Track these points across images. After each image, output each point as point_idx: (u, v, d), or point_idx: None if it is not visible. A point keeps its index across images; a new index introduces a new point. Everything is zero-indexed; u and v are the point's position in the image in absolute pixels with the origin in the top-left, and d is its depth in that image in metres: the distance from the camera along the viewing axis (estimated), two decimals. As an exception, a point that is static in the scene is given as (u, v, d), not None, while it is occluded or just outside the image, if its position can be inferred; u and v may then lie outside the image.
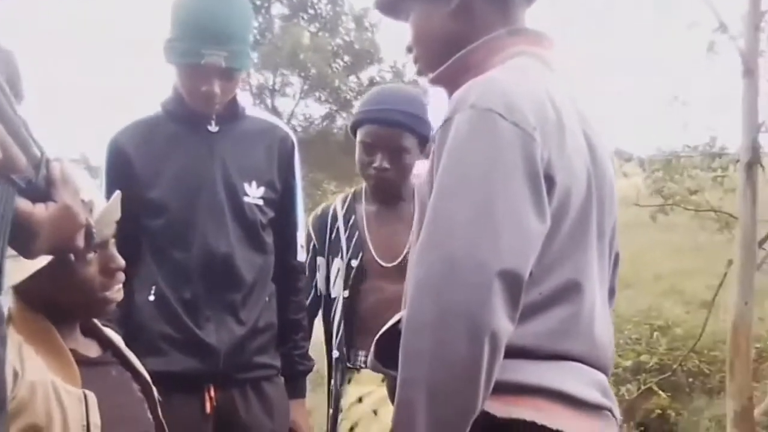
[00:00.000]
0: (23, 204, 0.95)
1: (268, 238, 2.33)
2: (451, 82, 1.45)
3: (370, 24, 17.95)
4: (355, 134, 2.47)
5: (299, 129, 19.65)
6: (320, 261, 2.53)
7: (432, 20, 1.51)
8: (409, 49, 1.57)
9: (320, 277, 2.53)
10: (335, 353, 2.45)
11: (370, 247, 2.42)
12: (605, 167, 1.45)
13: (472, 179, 1.24)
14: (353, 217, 2.50)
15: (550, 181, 1.28)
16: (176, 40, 2.15)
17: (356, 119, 2.46)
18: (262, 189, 2.30)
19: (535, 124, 1.28)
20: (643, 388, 7.31)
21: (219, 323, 2.20)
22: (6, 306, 1.53)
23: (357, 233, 2.46)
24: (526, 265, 1.23)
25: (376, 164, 2.37)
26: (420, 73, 1.57)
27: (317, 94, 18.38)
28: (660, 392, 7.29)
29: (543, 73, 1.43)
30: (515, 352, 1.25)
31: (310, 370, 2.46)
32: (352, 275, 2.42)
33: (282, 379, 2.39)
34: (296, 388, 2.43)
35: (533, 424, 1.26)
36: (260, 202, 2.29)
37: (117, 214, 1.57)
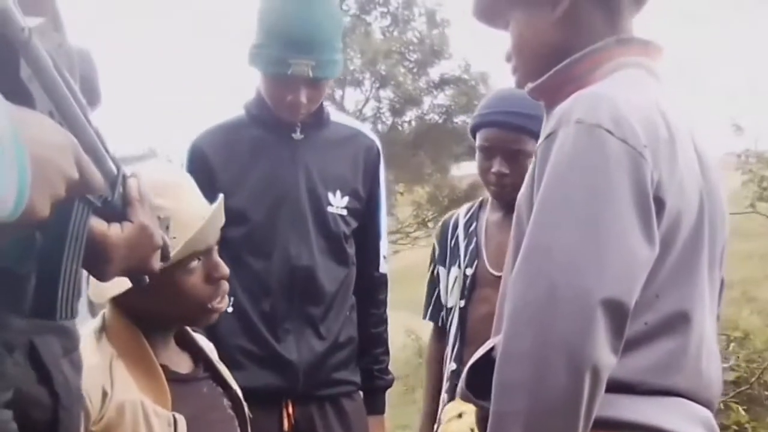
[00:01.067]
0: (98, 224, 0.90)
1: (351, 250, 2.26)
2: (552, 94, 1.36)
3: (441, 19, 17.80)
4: (475, 138, 2.37)
5: (368, 125, 19.70)
6: (441, 271, 2.46)
7: (535, 28, 1.42)
8: (508, 59, 1.48)
9: (442, 287, 2.45)
10: (452, 365, 2.36)
11: (484, 255, 2.32)
12: (717, 186, 1.35)
13: (576, 200, 1.16)
14: (474, 225, 2.41)
15: (659, 203, 1.19)
16: (262, 47, 2.09)
17: (474, 123, 2.36)
18: (346, 199, 2.23)
19: (645, 142, 1.18)
20: (720, 405, 7.06)
21: (299, 337, 2.14)
22: (90, 325, 1.49)
23: (475, 241, 2.37)
24: (632, 294, 1.14)
25: (494, 169, 2.26)
26: (519, 84, 1.47)
27: (386, 92, 18.32)
28: (737, 407, 7.03)
29: (652, 85, 1.33)
30: (616, 387, 1.17)
31: (390, 386, 2.39)
32: (467, 284, 2.33)
33: (361, 394, 2.31)
34: (375, 404, 2.35)
35: None
36: (344, 212, 2.22)
37: (221, 221, 1.52)
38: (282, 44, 2.05)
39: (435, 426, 2.36)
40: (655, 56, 1.40)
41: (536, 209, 1.19)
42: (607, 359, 1.11)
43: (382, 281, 2.39)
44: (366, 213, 2.30)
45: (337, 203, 2.21)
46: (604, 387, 1.13)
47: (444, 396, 2.39)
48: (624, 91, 1.25)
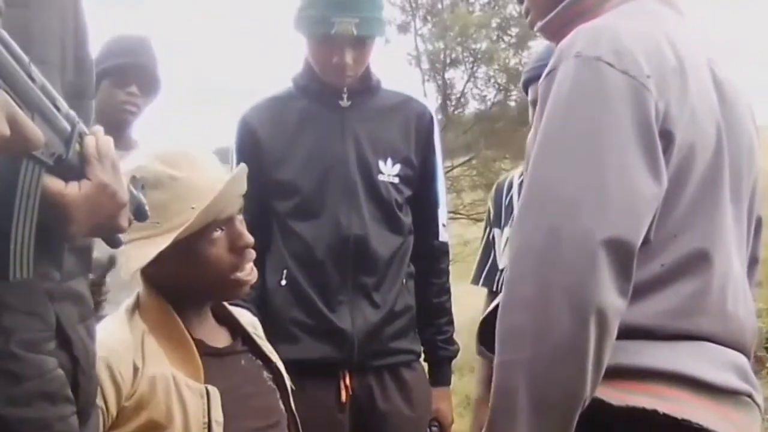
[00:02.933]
0: (53, 183, 0.88)
1: (406, 218, 2.22)
2: (559, 32, 1.29)
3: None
4: (527, 94, 2.31)
5: (471, 106, 19.48)
6: (496, 232, 2.40)
7: None
8: (520, 1, 1.41)
9: (497, 248, 2.40)
10: None
11: None
12: (742, 119, 1.26)
13: (575, 136, 1.10)
14: None
15: (668, 136, 1.12)
16: (305, 8, 2.09)
17: (524, 79, 2.30)
18: (398, 166, 2.19)
19: (649, 72, 1.11)
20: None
21: (353, 307, 2.11)
22: (125, 303, 1.51)
23: None
24: (638, 232, 1.08)
25: None
26: (532, 25, 1.40)
27: (486, 70, 18.10)
28: None
29: (664, 14, 1.25)
30: (633, 332, 1.11)
31: (455, 356, 2.34)
32: None
33: (423, 365, 2.28)
34: (440, 375, 2.31)
35: (654, 413, 1.09)
36: (395, 180, 2.19)
37: (241, 188, 1.50)
38: (324, 4, 2.04)
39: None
40: None
41: (535, 149, 1.14)
42: (614, 302, 1.05)
43: (442, 250, 2.34)
44: (421, 181, 2.26)
45: (388, 171, 2.18)
46: (614, 332, 1.07)
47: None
48: (628, 21, 1.19)
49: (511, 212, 2.34)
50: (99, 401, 1.31)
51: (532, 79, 2.23)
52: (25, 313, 0.89)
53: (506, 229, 2.34)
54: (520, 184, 2.38)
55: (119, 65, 2.43)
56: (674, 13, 1.28)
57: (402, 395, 2.16)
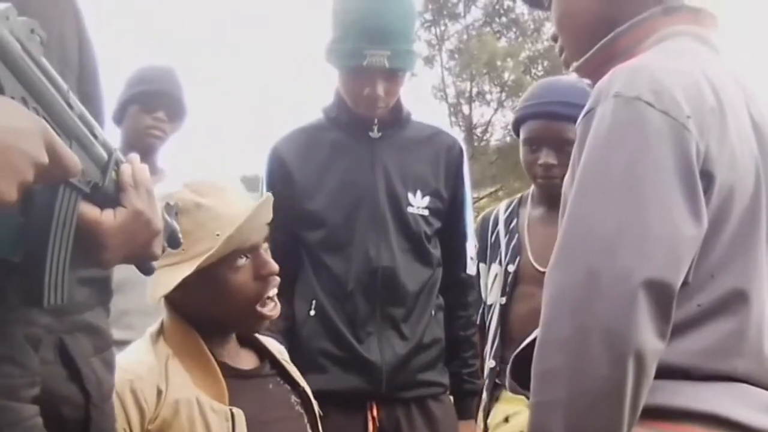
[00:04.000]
0: (89, 211, 0.88)
1: (435, 250, 2.22)
2: (596, 71, 1.28)
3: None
4: (518, 134, 2.33)
5: (497, 137, 19.47)
6: (482, 267, 2.41)
7: (575, 3, 1.36)
8: (554, 39, 1.42)
9: (482, 284, 2.41)
10: (490, 363, 2.30)
11: (528, 250, 2.27)
12: None
13: (615, 177, 1.09)
14: (515, 221, 2.37)
15: (708, 177, 1.11)
16: (337, 41, 2.11)
17: (517, 117, 2.33)
18: (427, 199, 2.20)
19: (689, 113, 1.10)
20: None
21: (381, 339, 2.11)
22: (150, 329, 1.52)
23: (517, 236, 2.31)
24: (678, 274, 1.06)
25: (540, 161, 2.22)
26: (566, 64, 1.41)
27: (514, 101, 18.13)
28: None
29: (702, 53, 1.24)
30: (669, 373, 1.09)
31: (481, 390, 2.33)
32: (509, 281, 2.27)
33: (450, 398, 2.26)
34: (466, 409, 2.30)
35: None
36: (425, 213, 2.19)
37: (266, 217, 1.52)
38: (357, 36, 2.05)
39: (480, 426, 2.31)
40: (708, 24, 1.31)
41: (574, 190, 1.13)
42: (653, 344, 1.04)
43: (469, 283, 2.33)
44: (450, 213, 2.26)
45: (418, 203, 2.18)
46: (651, 374, 1.05)
47: (484, 395, 2.33)
48: (667, 61, 1.18)
49: (498, 249, 2.34)
50: (122, 423, 1.32)
51: (525, 118, 2.27)
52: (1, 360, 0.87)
53: (493, 266, 2.34)
54: (506, 220, 2.39)
55: (147, 91, 2.50)
56: (711, 51, 1.27)
57: (429, 428, 2.14)
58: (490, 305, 2.34)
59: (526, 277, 2.26)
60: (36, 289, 0.81)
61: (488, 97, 18.77)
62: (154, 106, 2.49)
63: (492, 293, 2.33)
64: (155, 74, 2.55)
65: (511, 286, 2.26)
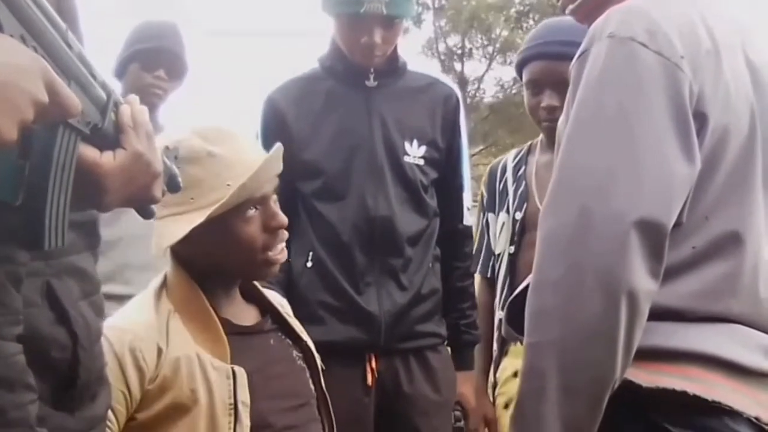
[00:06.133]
0: (89, 152, 0.86)
1: (432, 201, 2.21)
2: (591, 14, 1.28)
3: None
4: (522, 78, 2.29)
5: (490, 94, 19.42)
6: (490, 217, 2.39)
7: None
8: None
9: (491, 233, 2.39)
10: (498, 314, 2.29)
11: (536, 197, 2.23)
12: None
13: (607, 117, 1.10)
14: (523, 169, 2.33)
15: (701, 118, 1.11)
16: None
17: (519, 60, 2.28)
18: (423, 148, 2.18)
19: (683, 53, 1.11)
20: None
21: (380, 290, 2.10)
22: (153, 282, 1.50)
23: (524, 184, 2.29)
24: (670, 214, 1.07)
25: (544, 103, 2.18)
26: (563, 6, 1.40)
27: (505, 57, 18.05)
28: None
29: None
30: (664, 314, 1.10)
31: (478, 341, 2.33)
32: (516, 228, 2.24)
33: (448, 349, 2.27)
34: (463, 359, 2.30)
35: (684, 394, 1.09)
36: (421, 162, 2.17)
37: (277, 168, 1.50)
38: None
39: (490, 381, 2.32)
40: None
41: (567, 130, 1.13)
42: (645, 283, 1.05)
43: (466, 234, 2.33)
44: (446, 163, 2.24)
45: (414, 153, 2.16)
46: (644, 314, 1.07)
47: (495, 346, 2.33)
48: (662, 2, 1.17)
49: (505, 197, 2.32)
50: (120, 385, 1.31)
51: (526, 60, 2.23)
52: None
53: (501, 214, 2.31)
54: (514, 168, 2.36)
55: (147, 49, 2.45)
56: None
57: (428, 379, 2.15)
58: (499, 254, 2.32)
59: (534, 224, 2.22)
60: (36, 232, 0.80)
61: (476, 53, 18.68)
62: (154, 64, 2.45)
63: (500, 242, 2.30)
64: (155, 31, 2.50)
65: (519, 234, 2.23)
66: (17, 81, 0.70)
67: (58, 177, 0.80)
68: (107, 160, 0.88)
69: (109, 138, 0.89)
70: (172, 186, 1.08)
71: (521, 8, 17.52)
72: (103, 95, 0.88)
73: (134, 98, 0.95)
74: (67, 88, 0.77)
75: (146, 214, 1.03)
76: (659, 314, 1.09)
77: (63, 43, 0.80)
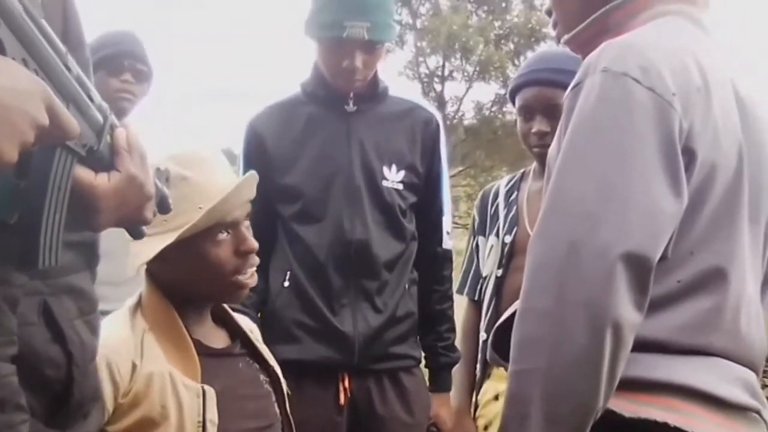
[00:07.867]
0: (84, 174, 0.89)
1: (410, 225, 2.23)
2: (588, 45, 1.29)
3: (540, 3, 17.51)
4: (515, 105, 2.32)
5: (469, 115, 19.50)
6: (480, 240, 2.41)
7: None
8: (549, 13, 1.44)
9: (480, 256, 2.41)
10: (482, 335, 2.31)
11: (526, 222, 2.26)
12: (763, 138, 1.27)
13: (598, 150, 1.11)
14: (515, 194, 2.36)
15: (690, 153, 1.13)
16: (317, 12, 2.11)
17: (511, 88, 2.31)
18: (402, 173, 2.20)
19: (674, 90, 1.12)
20: None
21: (355, 311, 2.12)
22: (129, 301, 1.52)
23: (515, 208, 2.31)
24: (656, 248, 1.09)
25: (534, 129, 2.20)
26: (559, 37, 1.42)
27: (485, 78, 18.15)
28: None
29: (692, 34, 1.26)
30: (647, 346, 1.12)
31: (456, 363, 2.34)
32: (505, 252, 2.27)
33: (421, 371, 2.29)
34: (440, 381, 2.32)
35: (665, 426, 1.11)
36: (400, 187, 2.20)
37: (249, 194, 1.53)
38: (336, 8, 2.05)
39: (473, 402, 2.32)
40: (701, 5, 1.33)
41: (558, 161, 1.15)
42: (630, 316, 1.06)
43: (445, 257, 2.35)
44: (426, 188, 2.27)
45: (393, 177, 2.18)
46: (628, 346, 1.08)
47: (478, 368, 2.34)
48: (657, 38, 1.19)
49: (496, 221, 2.34)
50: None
51: (518, 87, 2.25)
52: None
53: (491, 237, 2.34)
54: (506, 193, 2.39)
55: (111, 54, 2.50)
56: (701, 31, 1.29)
57: (400, 400, 2.17)
58: (486, 277, 2.34)
59: (522, 249, 2.25)
60: (31, 251, 0.82)
61: (456, 75, 18.77)
62: (119, 68, 2.50)
63: (488, 264, 2.32)
64: (114, 38, 2.55)
65: (507, 258, 2.25)
66: (19, 104, 0.72)
67: (54, 197, 0.83)
68: (102, 181, 0.90)
69: (104, 160, 0.92)
70: (163, 207, 1.10)
71: (500, 31, 17.65)
72: (100, 118, 0.91)
73: (130, 122, 0.97)
74: (67, 111, 0.79)
75: (137, 234, 1.05)
76: (643, 346, 1.11)
77: (63, 66, 0.82)
